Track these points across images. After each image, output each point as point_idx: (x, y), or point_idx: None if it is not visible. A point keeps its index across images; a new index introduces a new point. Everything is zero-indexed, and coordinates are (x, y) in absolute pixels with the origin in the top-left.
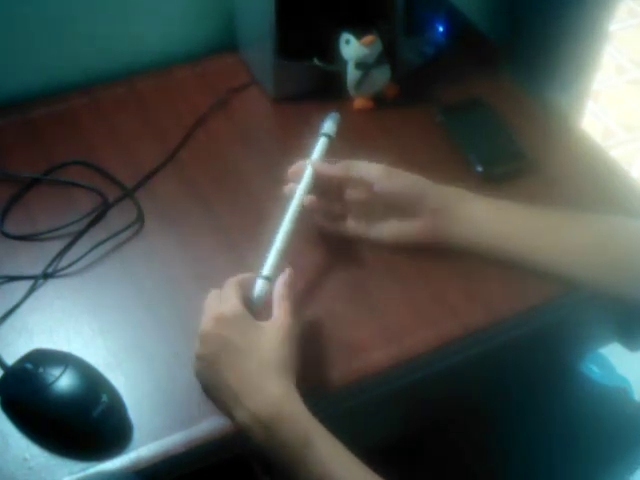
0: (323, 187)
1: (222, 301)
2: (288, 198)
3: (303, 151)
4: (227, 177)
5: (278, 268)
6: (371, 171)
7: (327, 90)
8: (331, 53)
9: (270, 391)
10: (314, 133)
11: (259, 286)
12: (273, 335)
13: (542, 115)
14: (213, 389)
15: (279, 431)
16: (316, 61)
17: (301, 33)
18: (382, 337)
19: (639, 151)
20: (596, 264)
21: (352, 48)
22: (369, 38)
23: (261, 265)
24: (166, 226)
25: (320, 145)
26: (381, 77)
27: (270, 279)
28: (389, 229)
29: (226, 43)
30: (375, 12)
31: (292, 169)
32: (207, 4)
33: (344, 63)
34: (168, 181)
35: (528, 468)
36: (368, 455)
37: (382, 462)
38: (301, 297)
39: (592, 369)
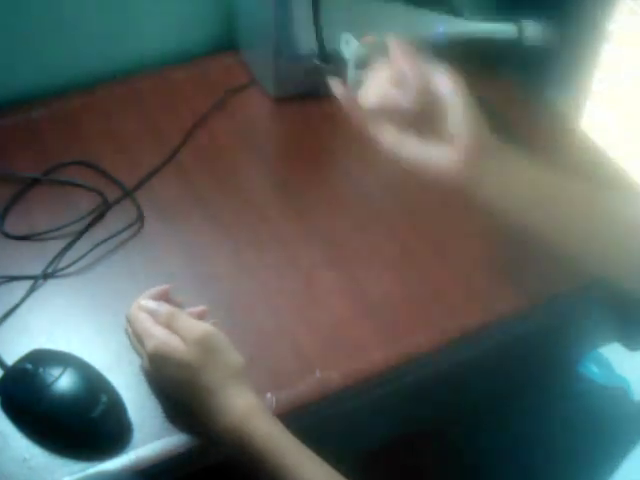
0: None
1: (143, 338)
2: None
3: (303, 151)
4: (227, 177)
5: None
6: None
7: (327, 90)
8: (331, 53)
9: (229, 408)
10: (314, 133)
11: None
12: (207, 352)
13: (542, 115)
14: (180, 415)
15: (248, 445)
16: (316, 61)
17: (301, 33)
18: (382, 337)
19: (639, 151)
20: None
21: (352, 48)
22: (369, 38)
23: None
24: (166, 226)
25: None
26: None
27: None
28: (421, 150)
29: (226, 43)
30: None
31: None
32: (207, 4)
33: (344, 63)
34: (168, 181)
35: (528, 468)
36: (368, 455)
37: (382, 462)
38: (301, 297)
39: (592, 369)
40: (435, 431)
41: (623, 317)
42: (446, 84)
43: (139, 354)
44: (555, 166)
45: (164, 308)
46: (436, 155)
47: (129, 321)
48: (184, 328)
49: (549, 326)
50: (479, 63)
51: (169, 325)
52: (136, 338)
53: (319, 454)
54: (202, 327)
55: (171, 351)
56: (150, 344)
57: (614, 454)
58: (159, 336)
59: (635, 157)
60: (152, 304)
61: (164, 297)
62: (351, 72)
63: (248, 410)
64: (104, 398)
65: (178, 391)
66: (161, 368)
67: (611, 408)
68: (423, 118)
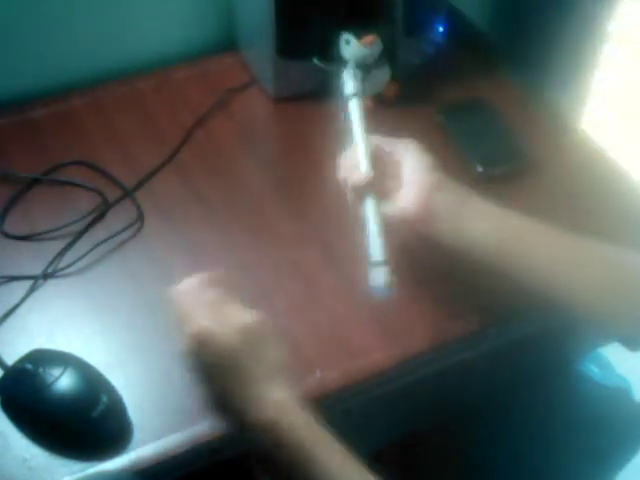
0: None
1: (187, 318)
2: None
3: (303, 151)
4: (227, 177)
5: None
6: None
7: (327, 90)
8: (331, 53)
9: (271, 397)
10: (314, 133)
11: (383, 274)
12: (249, 342)
13: (542, 115)
14: (210, 399)
15: (282, 437)
16: (316, 61)
17: (301, 33)
18: (382, 337)
19: (639, 151)
20: (596, 296)
21: (352, 48)
22: (369, 38)
23: (369, 251)
24: (166, 226)
25: (355, 112)
26: (381, 77)
27: (387, 263)
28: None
29: (226, 43)
30: (375, 12)
31: (352, 184)
32: (207, 4)
33: (344, 63)
34: (168, 181)
35: (529, 468)
36: (368, 455)
37: (382, 462)
38: (301, 297)
39: (592, 369)
40: (435, 431)
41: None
42: (400, 149)
43: (180, 333)
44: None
45: (213, 291)
46: (396, 203)
47: (174, 299)
48: (231, 314)
49: (549, 326)
50: (479, 63)
51: (216, 309)
52: (180, 317)
53: None
54: (250, 315)
55: (213, 336)
56: (195, 325)
57: (614, 454)
58: (205, 318)
59: (635, 157)
60: (202, 285)
61: (215, 283)
62: (351, 72)
63: (287, 402)
64: (104, 398)
65: (217, 376)
66: (203, 350)
67: (611, 408)
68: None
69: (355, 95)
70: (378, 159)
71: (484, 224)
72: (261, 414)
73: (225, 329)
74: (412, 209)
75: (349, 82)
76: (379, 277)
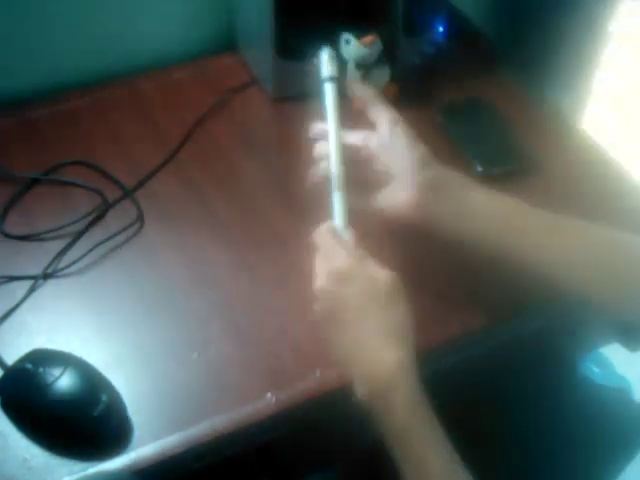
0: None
1: (332, 255)
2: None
3: (303, 151)
4: (227, 177)
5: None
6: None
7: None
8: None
9: (388, 357)
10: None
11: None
12: (388, 294)
13: (542, 115)
14: (335, 342)
15: (386, 401)
16: (316, 61)
17: (301, 33)
18: None
19: (639, 151)
20: (596, 278)
21: (352, 48)
22: (369, 38)
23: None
24: (166, 226)
25: (329, 95)
26: (381, 77)
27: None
28: (380, 198)
29: (226, 43)
30: (375, 12)
31: (316, 151)
32: (207, 4)
33: (344, 63)
34: (168, 181)
35: (528, 468)
36: (368, 455)
37: (382, 462)
38: (301, 297)
39: (592, 369)
40: None
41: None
42: (388, 128)
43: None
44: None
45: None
46: (389, 195)
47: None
48: (372, 264)
49: (549, 326)
50: (479, 63)
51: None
52: (318, 257)
53: (319, 453)
54: (387, 273)
55: (357, 276)
56: (338, 262)
57: (615, 453)
58: (348, 258)
59: (635, 157)
60: (342, 233)
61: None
62: (351, 72)
63: (399, 365)
64: (104, 398)
65: (346, 316)
66: (339, 289)
67: (611, 408)
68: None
69: (331, 79)
70: (363, 149)
71: (486, 215)
72: (372, 370)
73: (361, 276)
74: (406, 205)
75: (326, 64)
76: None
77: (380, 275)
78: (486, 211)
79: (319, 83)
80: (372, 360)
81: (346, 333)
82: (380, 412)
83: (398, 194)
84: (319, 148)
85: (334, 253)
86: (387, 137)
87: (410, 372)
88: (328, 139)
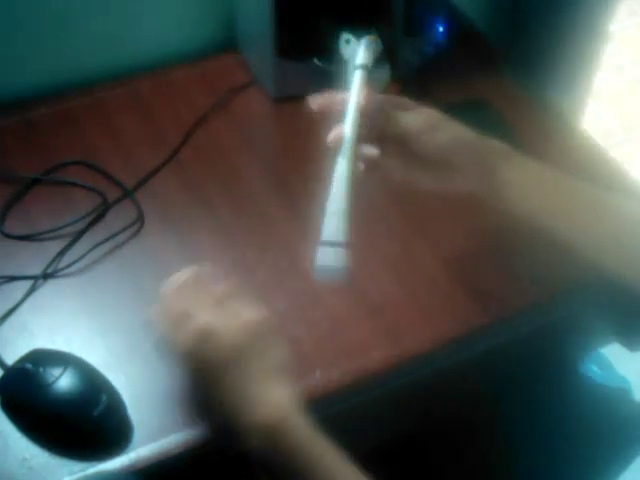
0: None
1: (192, 312)
2: (336, 154)
3: (303, 151)
4: (227, 177)
5: (347, 232)
6: (410, 125)
7: (327, 90)
8: (331, 53)
9: (271, 400)
10: (314, 133)
11: (339, 255)
12: (258, 339)
13: (542, 115)
14: (212, 401)
15: (279, 441)
16: (316, 61)
17: (301, 33)
18: (382, 337)
19: (639, 151)
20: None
21: (352, 48)
22: (369, 38)
23: (326, 231)
24: (166, 226)
25: (357, 81)
26: (381, 77)
27: (345, 245)
28: (435, 180)
29: (226, 43)
30: (375, 12)
31: (332, 137)
32: (207, 4)
33: (344, 63)
34: (168, 181)
35: (528, 468)
36: (368, 455)
37: (382, 462)
38: (301, 297)
39: (592, 369)
40: (435, 431)
41: (623, 317)
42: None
43: (169, 334)
44: (565, 169)
45: (218, 287)
46: (451, 181)
47: (170, 295)
48: (235, 312)
49: (549, 326)
50: (479, 63)
51: (219, 305)
52: (177, 314)
53: None
54: (253, 313)
55: (221, 330)
56: (199, 320)
57: (615, 454)
58: (210, 313)
59: (635, 157)
60: (204, 276)
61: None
62: (351, 72)
63: (288, 405)
64: (104, 398)
65: (217, 373)
66: (205, 348)
67: (611, 408)
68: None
69: (363, 67)
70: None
71: (526, 181)
72: (264, 412)
73: (231, 321)
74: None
75: (362, 52)
76: (329, 258)
77: (251, 317)
78: (522, 177)
79: (348, 69)
80: (260, 405)
81: (226, 387)
82: (275, 457)
83: (452, 180)
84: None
85: (197, 309)
86: (425, 133)
87: (296, 409)
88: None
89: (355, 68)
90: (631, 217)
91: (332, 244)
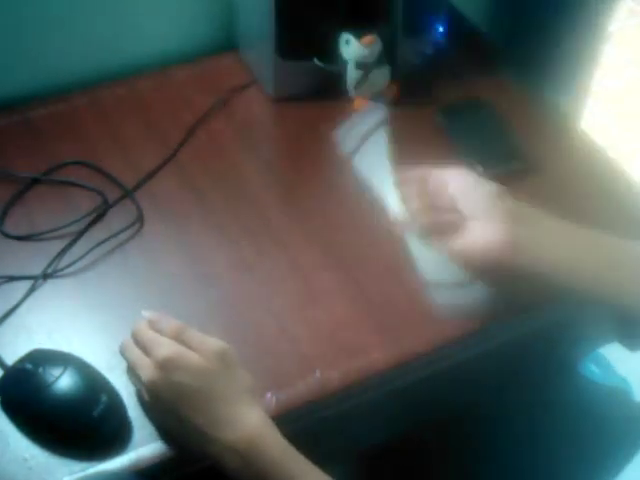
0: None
1: (152, 346)
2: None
3: (303, 151)
4: (227, 177)
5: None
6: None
7: (327, 90)
8: (331, 53)
9: (244, 421)
10: (314, 133)
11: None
12: (225, 364)
13: (542, 115)
14: (182, 429)
15: (256, 460)
16: (316, 61)
17: (301, 33)
18: (382, 337)
19: (639, 151)
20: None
21: (352, 48)
22: (369, 38)
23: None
24: (166, 226)
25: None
26: (381, 77)
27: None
28: (459, 244)
29: (226, 43)
30: (375, 12)
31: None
32: (207, 4)
33: (344, 63)
34: (168, 181)
35: (528, 468)
36: (368, 455)
37: (382, 462)
38: (301, 297)
39: (592, 369)
40: (435, 431)
41: (623, 317)
42: (445, 177)
43: (136, 377)
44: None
45: (172, 322)
46: (469, 236)
47: (131, 337)
48: (197, 341)
49: (549, 326)
50: (479, 63)
51: (178, 338)
52: (137, 354)
53: (319, 454)
54: (217, 341)
55: (187, 357)
56: (163, 351)
57: (615, 454)
58: (172, 344)
59: (635, 157)
60: (157, 317)
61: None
62: (351, 72)
63: (261, 426)
64: (104, 398)
65: (187, 401)
66: (172, 377)
67: (611, 408)
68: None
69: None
70: (428, 195)
71: (565, 245)
72: (238, 434)
73: (193, 352)
74: (495, 243)
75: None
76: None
77: (211, 348)
78: (561, 240)
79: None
80: (232, 426)
81: (191, 417)
82: (252, 473)
83: (481, 232)
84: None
85: (157, 343)
86: (452, 182)
87: (270, 427)
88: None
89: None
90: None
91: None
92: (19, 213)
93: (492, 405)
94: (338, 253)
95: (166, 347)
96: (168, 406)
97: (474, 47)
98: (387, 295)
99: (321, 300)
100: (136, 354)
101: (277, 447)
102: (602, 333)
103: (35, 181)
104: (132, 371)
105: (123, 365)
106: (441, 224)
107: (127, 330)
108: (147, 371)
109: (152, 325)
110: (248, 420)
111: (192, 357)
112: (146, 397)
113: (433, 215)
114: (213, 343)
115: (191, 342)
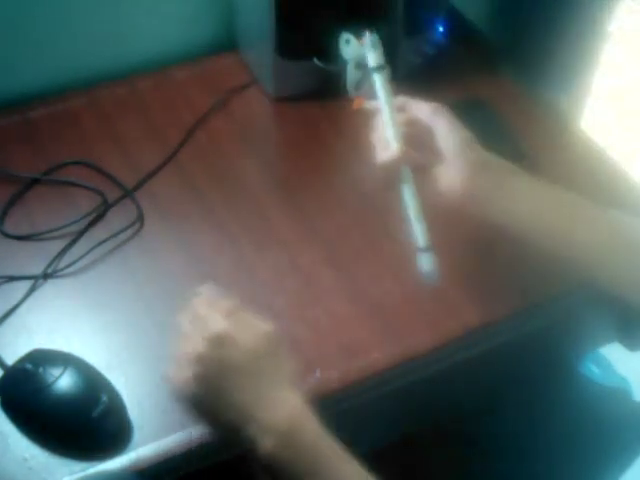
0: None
1: (206, 321)
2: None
3: (303, 151)
4: (227, 177)
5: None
6: (422, 109)
7: (327, 90)
8: (331, 53)
9: (285, 404)
10: (314, 133)
11: (428, 260)
12: (272, 346)
13: (542, 115)
14: (211, 410)
15: (293, 443)
16: (316, 61)
17: (301, 33)
18: (382, 337)
19: (638, 151)
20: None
21: (352, 48)
22: (369, 36)
23: (415, 238)
24: (166, 226)
25: (380, 85)
26: None
27: (432, 249)
28: (428, 181)
29: (226, 43)
30: (375, 12)
31: (385, 158)
32: (207, 4)
33: (344, 63)
34: (168, 181)
35: (528, 468)
36: (368, 455)
37: (382, 462)
38: (301, 297)
39: (592, 369)
40: (435, 431)
41: (623, 317)
42: (426, 111)
43: (185, 348)
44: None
45: (227, 300)
46: (436, 180)
47: (188, 310)
48: (248, 321)
49: (549, 326)
50: (479, 63)
51: (230, 317)
52: (190, 327)
53: None
54: (266, 324)
55: (237, 336)
56: (214, 327)
57: (615, 454)
58: (224, 321)
59: (635, 157)
60: (214, 294)
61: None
62: (351, 72)
63: (300, 410)
64: (104, 398)
65: (232, 378)
66: (221, 352)
67: (611, 408)
68: (419, 146)
69: (379, 68)
70: (408, 127)
71: (530, 200)
72: (275, 418)
73: (244, 333)
74: (455, 189)
75: (373, 53)
76: (427, 263)
77: (259, 330)
78: (528, 196)
79: (367, 74)
80: (269, 413)
81: (236, 394)
82: (288, 461)
83: (446, 176)
84: (376, 134)
85: (211, 319)
86: (432, 119)
87: (309, 414)
88: (384, 122)
89: (372, 71)
90: (628, 233)
91: (425, 250)
92: (19, 213)
93: (492, 405)
94: (338, 253)
95: (218, 324)
96: (212, 381)
97: (474, 47)
98: (387, 295)
99: (321, 300)
100: (189, 327)
101: (315, 433)
102: (602, 333)
103: (35, 181)
104: (183, 342)
105: (123, 365)
106: (412, 160)
107: (127, 330)
108: (197, 344)
109: (207, 301)
110: (289, 403)
111: (242, 336)
112: (190, 371)
113: (407, 149)
114: (263, 325)
115: (242, 322)
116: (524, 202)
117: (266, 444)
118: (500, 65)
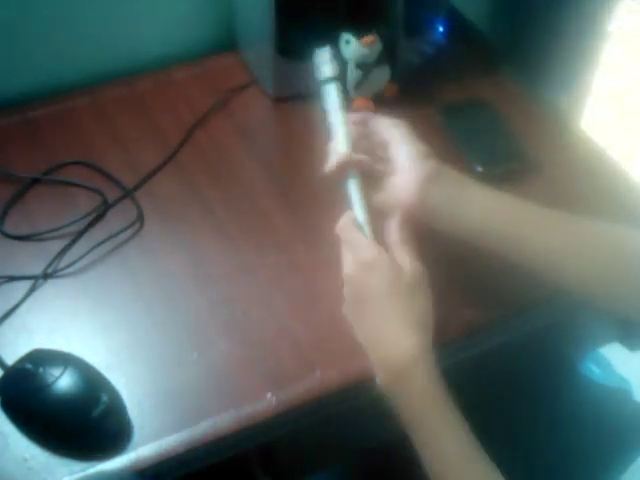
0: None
1: (358, 245)
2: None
3: (303, 151)
4: (227, 177)
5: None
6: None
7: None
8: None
9: (407, 342)
10: (314, 133)
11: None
12: (417, 284)
13: (542, 115)
14: (357, 327)
15: (407, 383)
16: (315, 61)
17: (301, 33)
18: None
19: (639, 151)
20: (591, 275)
21: (352, 48)
22: (369, 38)
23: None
24: (166, 226)
25: (333, 96)
26: (381, 77)
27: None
28: (380, 196)
29: (226, 43)
30: (375, 12)
31: (334, 164)
32: (207, 4)
33: (344, 63)
34: (168, 181)
35: (529, 467)
36: (368, 455)
37: (382, 462)
38: (301, 297)
39: (592, 369)
40: None
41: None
42: (384, 125)
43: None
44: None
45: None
46: (389, 189)
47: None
48: (403, 256)
49: (549, 326)
50: (479, 63)
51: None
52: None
53: (319, 453)
54: (418, 264)
55: (387, 265)
56: (367, 253)
57: (615, 453)
58: (376, 248)
59: (635, 157)
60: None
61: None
62: (351, 72)
63: (421, 352)
64: (104, 398)
65: (375, 303)
66: (369, 277)
67: (612, 408)
68: (375, 158)
69: (331, 80)
70: (365, 138)
71: (483, 209)
72: (394, 354)
73: (394, 266)
74: (407, 198)
75: (327, 64)
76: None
77: (405, 264)
78: (483, 207)
79: (318, 84)
80: (391, 346)
81: (368, 319)
82: (397, 397)
83: (398, 186)
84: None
85: (359, 243)
86: (388, 132)
87: (427, 358)
88: (335, 129)
89: (323, 83)
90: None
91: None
92: (19, 213)
93: (492, 405)
94: (338, 253)
95: (371, 250)
96: (360, 299)
97: (474, 47)
98: None
99: (321, 300)
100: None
101: (428, 380)
102: (602, 333)
103: (35, 181)
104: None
105: (123, 365)
106: (369, 168)
107: (127, 330)
108: (349, 266)
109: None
110: (411, 344)
111: (391, 266)
112: (344, 288)
113: (365, 158)
114: (414, 263)
115: (397, 256)
116: (476, 212)
117: (380, 377)
118: (500, 65)
